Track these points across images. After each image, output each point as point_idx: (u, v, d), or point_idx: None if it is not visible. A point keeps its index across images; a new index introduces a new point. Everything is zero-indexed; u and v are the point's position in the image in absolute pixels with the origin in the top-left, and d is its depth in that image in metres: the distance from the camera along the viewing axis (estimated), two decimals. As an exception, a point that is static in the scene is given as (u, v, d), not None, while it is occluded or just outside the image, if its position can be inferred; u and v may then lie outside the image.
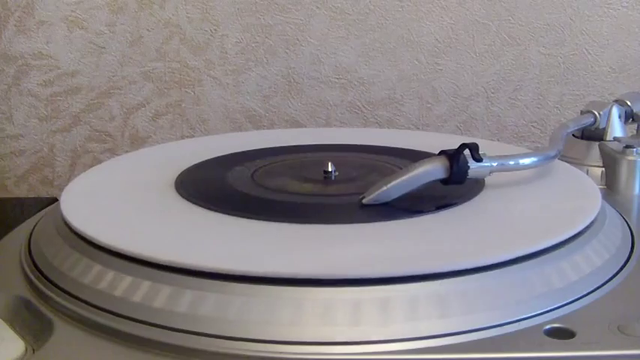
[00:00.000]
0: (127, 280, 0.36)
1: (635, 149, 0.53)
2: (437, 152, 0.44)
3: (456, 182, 0.44)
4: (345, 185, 0.48)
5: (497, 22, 0.79)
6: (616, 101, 0.59)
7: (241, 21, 0.79)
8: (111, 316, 0.35)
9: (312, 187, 0.48)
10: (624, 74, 0.79)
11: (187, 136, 0.81)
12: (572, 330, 0.33)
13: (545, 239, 0.38)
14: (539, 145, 0.79)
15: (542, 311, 0.35)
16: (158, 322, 0.34)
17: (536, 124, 0.81)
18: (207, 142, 0.63)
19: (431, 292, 0.34)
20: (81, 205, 0.44)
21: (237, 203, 0.45)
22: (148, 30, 0.79)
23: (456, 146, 0.44)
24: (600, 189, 0.47)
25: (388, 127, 0.81)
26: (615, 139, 0.57)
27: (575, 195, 0.46)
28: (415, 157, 0.51)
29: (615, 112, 0.58)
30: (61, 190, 0.47)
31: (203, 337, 0.33)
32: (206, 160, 0.54)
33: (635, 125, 0.60)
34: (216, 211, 0.43)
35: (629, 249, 0.42)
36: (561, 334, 0.33)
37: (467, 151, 0.44)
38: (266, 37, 0.79)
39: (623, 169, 0.54)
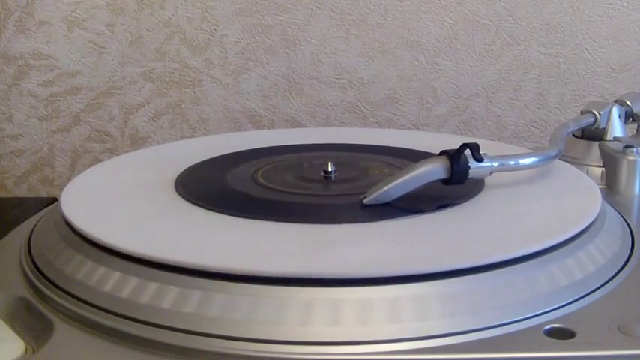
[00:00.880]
0: (133, 280, 0.35)
1: (635, 149, 0.53)
2: (437, 152, 0.44)
3: (456, 182, 0.44)
4: (346, 185, 0.48)
5: (497, 22, 0.79)
6: (616, 101, 0.59)
7: (241, 21, 0.79)
8: (115, 317, 0.34)
9: (312, 187, 0.48)
10: (624, 74, 0.79)
11: (187, 136, 0.81)
12: (572, 330, 0.33)
13: (545, 239, 0.38)
14: (539, 145, 0.79)
15: (542, 311, 0.34)
16: (164, 323, 0.33)
17: (536, 124, 0.81)
18: (207, 142, 0.63)
19: (431, 292, 0.34)
20: (81, 205, 0.44)
21: (237, 203, 0.45)
22: (147, 30, 0.79)
23: (456, 146, 0.44)
24: (600, 189, 0.47)
25: (388, 127, 0.81)
26: (615, 139, 0.57)
27: (575, 195, 0.46)
28: (415, 157, 0.51)
29: (615, 112, 0.58)
30: (61, 190, 0.47)
31: (210, 338, 0.33)
32: (206, 160, 0.54)
33: (635, 125, 0.60)
34: (216, 211, 0.43)
35: (629, 249, 0.42)
36: (561, 334, 0.33)
37: (467, 152, 0.44)
38: (266, 37, 0.79)
39: (623, 169, 0.54)
